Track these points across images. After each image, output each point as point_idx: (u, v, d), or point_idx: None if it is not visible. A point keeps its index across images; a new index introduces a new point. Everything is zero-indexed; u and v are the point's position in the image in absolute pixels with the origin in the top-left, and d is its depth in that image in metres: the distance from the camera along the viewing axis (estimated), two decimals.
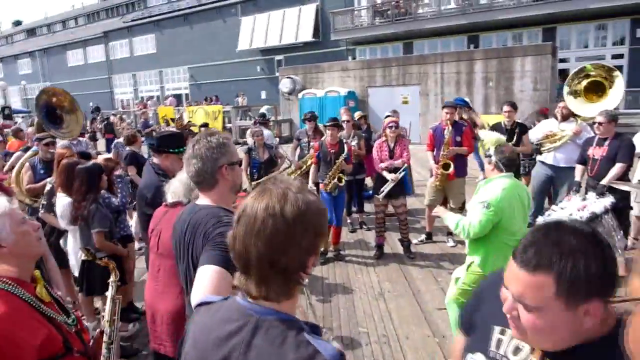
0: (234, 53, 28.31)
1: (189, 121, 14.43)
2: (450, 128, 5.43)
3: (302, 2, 25.89)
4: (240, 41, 27.91)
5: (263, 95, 27.54)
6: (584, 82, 5.63)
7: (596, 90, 5.59)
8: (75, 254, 3.87)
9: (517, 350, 1.13)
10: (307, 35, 25.50)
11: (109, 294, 2.13)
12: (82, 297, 3.85)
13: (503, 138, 3.09)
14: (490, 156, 3.05)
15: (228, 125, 18.63)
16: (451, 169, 5.44)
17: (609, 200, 4.36)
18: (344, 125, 6.20)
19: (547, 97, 14.57)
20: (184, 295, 2.27)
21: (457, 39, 22.10)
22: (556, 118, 5.73)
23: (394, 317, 4.05)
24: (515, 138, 5.68)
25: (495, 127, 5.98)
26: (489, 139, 3.06)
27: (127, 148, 6.39)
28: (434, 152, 5.70)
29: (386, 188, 5.19)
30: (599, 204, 4.31)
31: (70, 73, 39.79)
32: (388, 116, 5.70)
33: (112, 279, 2.21)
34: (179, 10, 31.40)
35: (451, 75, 15.83)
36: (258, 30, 27.10)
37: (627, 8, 17.38)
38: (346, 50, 24.91)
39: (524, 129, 5.83)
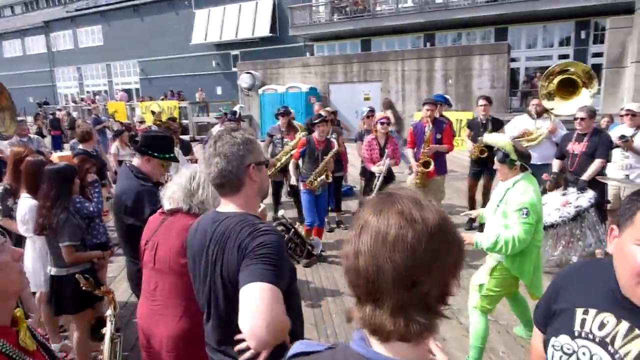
0: (187, 47, 27.31)
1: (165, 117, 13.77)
2: (431, 125, 5.36)
3: None
4: (194, 35, 26.98)
5: (219, 90, 26.80)
6: (556, 80, 5.71)
7: (567, 86, 5.67)
8: (34, 266, 3.42)
9: (602, 326, 1.22)
10: (264, 31, 25.02)
11: (108, 330, 1.78)
12: (45, 314, 3.43)
13: (508, 138, 3.04)
14: (513, 160, 2.96)
15: (185, 121, 17.92)
16: (431, 167, 5.38)
17: (592, 194, 4.44)
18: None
19: (503, 94, 15.05)
20: (189, 317, 2.00)
21: (415, 37, 22.45)
22: (530, 115, 5.79)
23: None
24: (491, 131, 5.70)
25: (472, 122, 5.99)
26: (503, 143, 2.98)
27: (80, 146, 5.80)
28: (415, 150, 5.63)
29: (377, 182, 5.04)
30: (584, 198, 4.37)
31: (7, 65, 36.95)
32: (370, 112, 5.56)
33: (109, 312, 1.85)
34: (128, 0, 29.91)
35: (412, 72, 15.99)
36: (213, 24, 26.30)
37: (572, 11, 18.29)
38: (304, 46, 24.68)
39: (499, 123, 5.86)
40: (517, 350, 3.48)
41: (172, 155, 2.68)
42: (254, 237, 1.40)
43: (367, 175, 5.44)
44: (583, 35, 19.68)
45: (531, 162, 5.57)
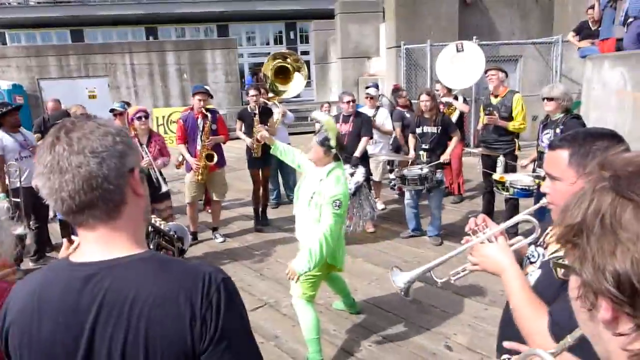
0: None
1: None
2: (210, 116, 4.99)
3: None
4: None
5: None
6: (271, 69, 5.97)
7: (282, 74, 6.03)
8: None
9: None
10: None
11: None
12: None
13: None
14: (331, 147, 2.86)
15: None
16: (215, 159, 5.04)
17: (363, 169, 5.00)
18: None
19: (237, 88, 15.63)
20: None
21: (135, 30, 20.91)
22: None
23: None
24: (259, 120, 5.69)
25: (244, 113, 5.88)
26: (331, 126, 2.87)
27: None
28: (187, 145, 5.14)
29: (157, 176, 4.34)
30: (359, 174, 4.88)
31: None
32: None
33: None
34: None
35: (143, 66, 14.80)
36: None
37: (281, 13, 20.57)
38: None
39: (270, 111, 5.91)
40: (344, 324, 3.60)
41: None
42: (223, 305, 0.89)
43: None
44: (292, 35, 22.41)
45: None
